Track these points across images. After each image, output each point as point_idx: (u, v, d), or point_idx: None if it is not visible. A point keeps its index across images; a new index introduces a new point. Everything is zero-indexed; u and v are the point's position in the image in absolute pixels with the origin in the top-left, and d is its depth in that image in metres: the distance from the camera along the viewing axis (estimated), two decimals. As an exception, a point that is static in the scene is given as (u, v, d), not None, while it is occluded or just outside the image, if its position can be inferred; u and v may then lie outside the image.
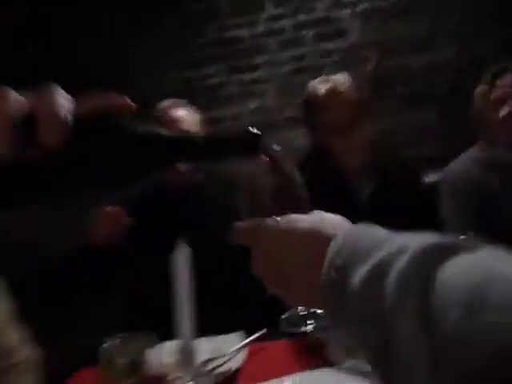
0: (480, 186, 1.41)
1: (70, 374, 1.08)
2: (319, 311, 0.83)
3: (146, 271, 1.28)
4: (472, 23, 2.31)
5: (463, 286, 0.26)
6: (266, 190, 0.51)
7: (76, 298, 1.47)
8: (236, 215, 0.50)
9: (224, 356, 0.97)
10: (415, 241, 0.32)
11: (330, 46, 2.49)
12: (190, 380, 0.76)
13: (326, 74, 1.41)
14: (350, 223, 0.42)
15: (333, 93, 1.31)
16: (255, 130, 0.48)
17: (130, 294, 1.40)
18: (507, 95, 1.34)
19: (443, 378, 0.25)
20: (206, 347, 0.95)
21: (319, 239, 0.39)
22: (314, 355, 0.92)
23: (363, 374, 0.79)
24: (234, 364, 0.96)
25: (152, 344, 0.94)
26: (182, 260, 0.71)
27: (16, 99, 0.35)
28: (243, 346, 1.02)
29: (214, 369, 0.93)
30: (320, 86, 1.34)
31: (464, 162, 1.49)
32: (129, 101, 0.43)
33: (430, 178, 1.65)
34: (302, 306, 0.57)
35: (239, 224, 0.48)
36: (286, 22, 2.50)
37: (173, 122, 1.35)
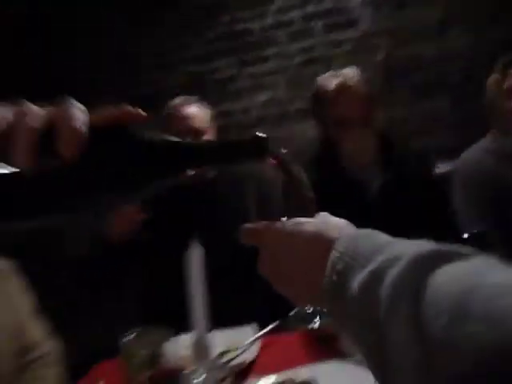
0: (493, 176, 1.40)
1: (87, 366, 1.12)
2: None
3: (160, 268, 1.31)
4: (484, 11, 2.27)
5: (450, 294, 0.27)
6: (274, 192, 0.52)
7: (92, 295, 1.51)
8: (246, 216, 0.52)
9: (238, 348, 1.00)
10: (411, 248, 0.33)
11: (340, 36, 2.47)
12: (206, 372, 0.78)
13: (336, 68, 1.41)
14: (354, 227, 0.43)
15: (342, 87, 1.30)
16: (263, 135, 0.49)
17: (144, 289, 1.43)
18: (520, 84, 1.33)
19: (432, 381, 0.26)
20: (221, 340, 0.98)
21: (323, 242, 0.40)
22: (326, 347, 0.94)
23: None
24: (248, 356, 0.99)
25: (168, 337, 0.97)
26: (195, 258, 0.73)
27: (36, 113, 0.36)
28: (257, 339, 1.05)
29: (228, 361, 0.96)
30: (329, 80, 1.34)
31: (476, 153, 1.48)
32: (140, 110, 0.44)
33: (442, 168, 1.65)
34: (306, 305, 0.59)
35: (248, 225, 0.49)
36: (295, 14, 2.49)
37: (184, 119, 1.37)
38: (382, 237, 0.38)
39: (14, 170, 0.38)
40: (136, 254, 1.30)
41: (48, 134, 0.37)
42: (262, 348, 1.02)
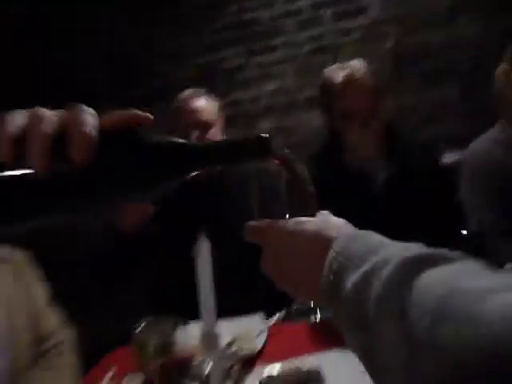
0: (502, 166, 1.39)
1: (99, 355, 1.16)
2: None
3: (169, 259, 1.34)
4: (494, -1, 2.23)
5: (433, 297, 0.29)
6: (277, 190, 0.54)
7: (104, 286, 1.55)
8: (250, 214, 0.54)
9: (247, 337, 1.03)
10: (401, 251, 0.34)
11: (349, 24, 2.45)
12: (215, 360, 0.81)
13: (345, 56, 1.41)
14: (352, 227, 0.45)
15: (349, 80, 1.30)
16: (266, 135, 0.51)
17: (152, 281, 1.46)
18: (528, 74, 1.31)
19: (417, 381, 0.28)
20: (229, 329, 1.01)
21: (322, 242, 0.42)
22: (331, 337, 0.96)
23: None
24: (256, 345, 1.02)
25: (179, 327, 1.00)
26: (203, 250, 0.75)
27: (50, 118, 0.37)
28: (266, 327, 1.07)
29: (237, 350, 0.99)
30: (336, 73, 1.33)
31: (485, 143, 1.47)
32: (147, 114, 0.46)
33: (450, 158, 1.64)
34: (306, 301, 0.61)
35: (251, 223, 0.51)
36: (303, 2, 2.47)
37: (193, 113, 1.39)
38: (376, 237, 0.40)
39: (29, 171, 0.40)
40: (145, 246, 1.33)
41: (60, 139, 0.39)
42: (269, 337, 1.05)
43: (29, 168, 0.39)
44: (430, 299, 0.29)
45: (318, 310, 0.65)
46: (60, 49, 2.56)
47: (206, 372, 0.86)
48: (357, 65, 1.34)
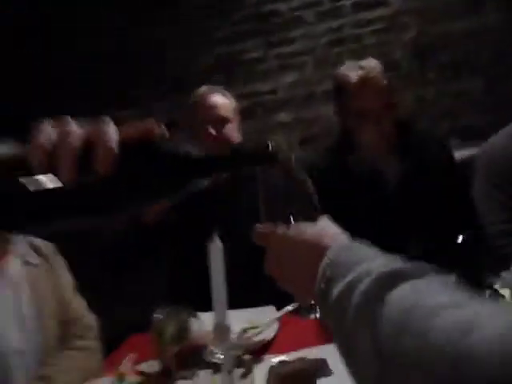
0: (518, 163, 1.38)
1: (119, 340, 1.23)
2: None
3: (184, 250, 1.39)
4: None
5: (398, 310, 0.32)
6: (282, 196, 0.58)
7: (122, 275, 1.61)
8: (257, 217, 0.57)
9: (258, 327, 1.08)
10: (382, 265, 0.38)
11: (369, 15, 2.43)
12: (226, 350, 0.86)
13: (365, 47, 1.41)
14: (348, 236, 0.48)
15: (364, 80, 1.31)
16: (272, 143, 0.55)
17: (169, 271, 1.52)
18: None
19: None
20: (240, 319, 1.06)
21: (318, 249, 0.45)
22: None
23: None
24: (267, 335, 1.07)
25: (194, 316, 1.05)
26: (215, 250, 0.80)
27: (77, 132, 0.40)
28: (276, 318, 1.12)
29: (248, 339, 1.04)
30: (351, 72, 1.34)
31: (503, 139, 1.45)
32: (162, 126, 0.50)
33: (466, 152, 1.63)
34: (305, 302, 0.65)
35: (257, 227, 0.55)
36: (323, -6, 2.46)
37: (210, 109, 1.42)
38: (365, 249, 0.43)
39: (59, 184, 0.45)
40: (165, 234, 1.37)
41: (85, 152, 0.44)
42: (280, 328, 1.09)
43: (59, 179, 0.44)
44: (395, 312, 0.32)
45: (317, 309, 0.68)
46: (60, 49, 2.58)
47: (219, 360, 0.91)
48: (371, 64, 1.35)
